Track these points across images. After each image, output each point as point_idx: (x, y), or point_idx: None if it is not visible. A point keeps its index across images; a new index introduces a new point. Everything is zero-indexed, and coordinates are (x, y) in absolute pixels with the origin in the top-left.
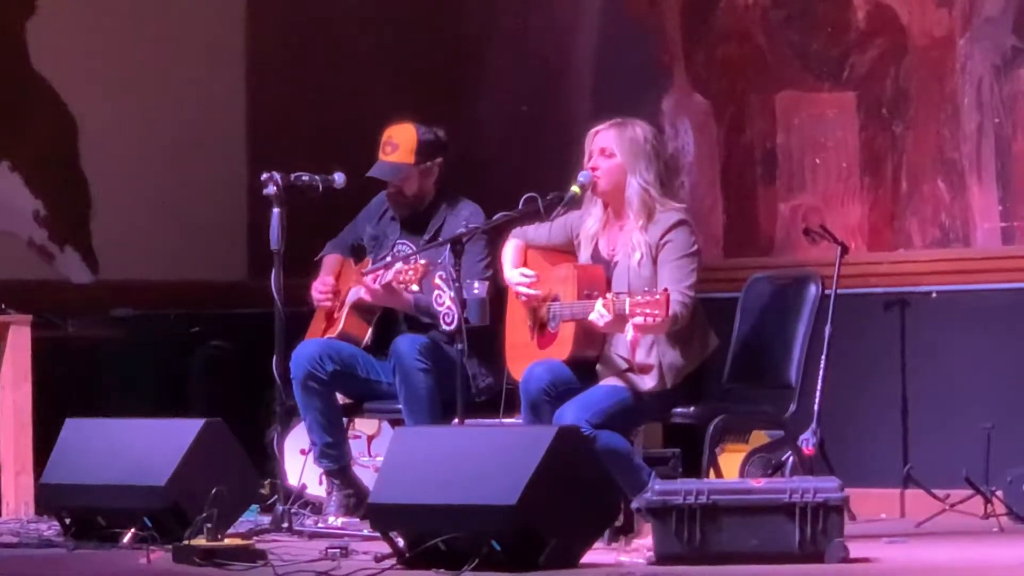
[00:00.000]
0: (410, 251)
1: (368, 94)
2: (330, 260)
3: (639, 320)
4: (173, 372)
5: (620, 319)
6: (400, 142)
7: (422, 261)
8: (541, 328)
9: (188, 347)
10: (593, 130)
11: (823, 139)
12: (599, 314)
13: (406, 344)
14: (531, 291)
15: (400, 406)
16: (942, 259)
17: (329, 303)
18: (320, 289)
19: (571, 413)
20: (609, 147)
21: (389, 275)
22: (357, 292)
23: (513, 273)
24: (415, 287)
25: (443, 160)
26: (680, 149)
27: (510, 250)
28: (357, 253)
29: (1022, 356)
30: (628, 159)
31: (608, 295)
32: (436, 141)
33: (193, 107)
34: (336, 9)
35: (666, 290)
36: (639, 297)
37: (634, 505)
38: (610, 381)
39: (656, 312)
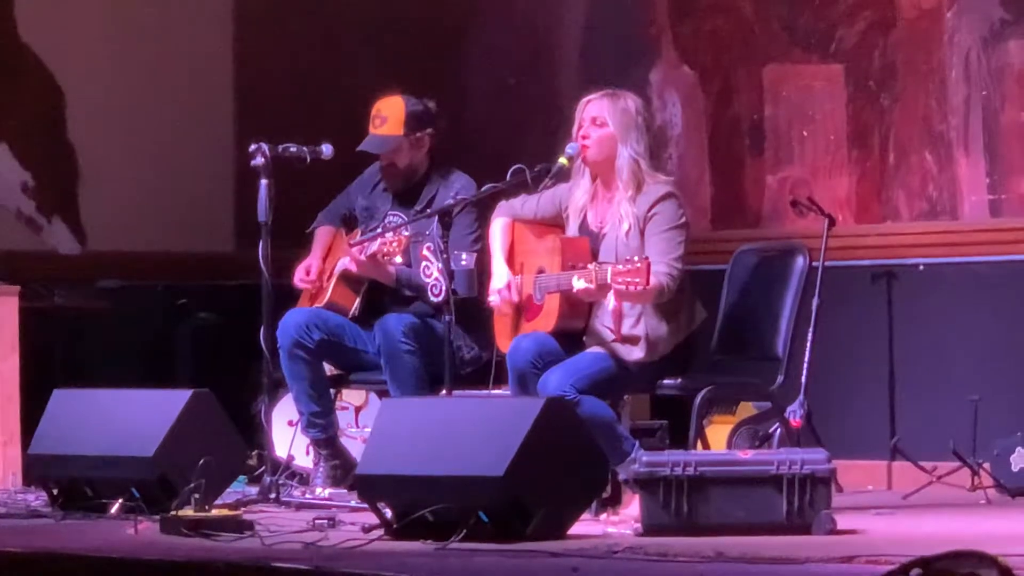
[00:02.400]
0: (400, 222)
1: (356, 65)
2: (322, 233)
3: (620, 288)
4: (160, 343)
5: (602, 288)
6: (389, 114)
7: (405, 233)
8: (527, 301)
9: (175, 318)
10: (585, 99)
11: (811, 111)
12: (581, 284)
13: (392, 324)
14: (503, 308)
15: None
16: (929, 231)
17: (310, 290)
18: (302, 277)
19: (556, 378)
20: (601, 116)
21: (374, 246)
22: (344, 262)
23: (501, 277)
24: (398, 259)
25: (434, 131)
26: (668, 121)
27: (498, 231)
28: (348, 223)
29: (1009, 328)
30: (620, 129)
31: (591, 265)
32: (425, 112)
33: (181, 78)
34: None
35: (646, 258)
36: (620, 266)
37: (621, 476)
38: (597, 350)
39: (636, 280)
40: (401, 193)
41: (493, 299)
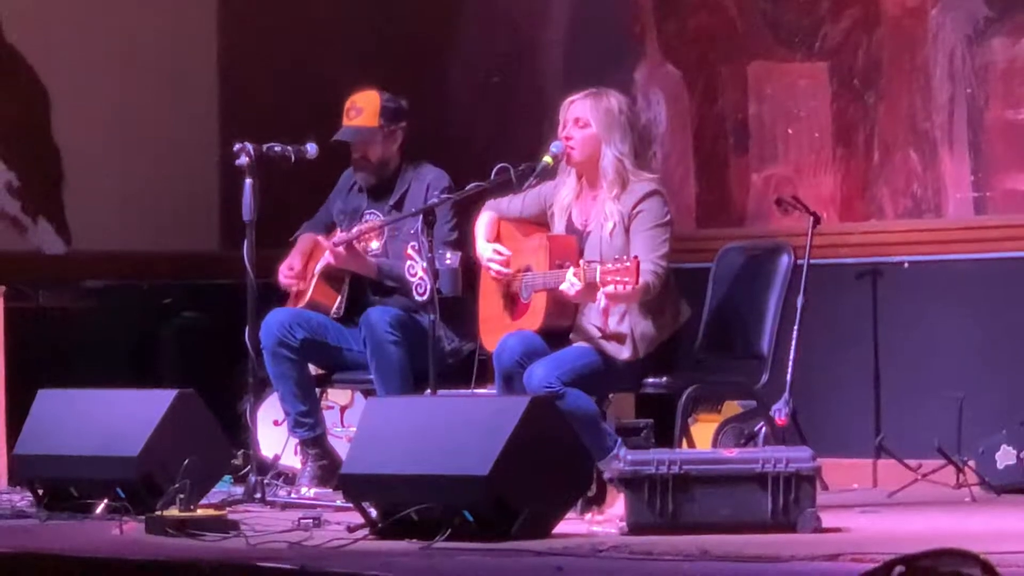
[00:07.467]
0: (381, 220)
1: (339, 64)
2: (303, 239)
3: (610, 288)
4: (145, 343)
5: (591, 287)
6: (364, 106)
7: (378, 218)
8: (513, 299)
9: (160, 318)
10: (568, 99)
11: (795, 109)
12: (570, 283)
13: (376, 316)
14: (502, 268)
15: (371, 376)
16: (914, 229)
17: (295, 286)
18: (286, 273)
19: (541, 371)
20: (584, 117)
21: (350, 235)
22: (325, 259)
23: (486, 248)
24: (375, 244)
25: (407, 126)
26: (652, 119)
27: (483, 223)
28: (331, 232)
29: (993, 326)
30: (602, 130)
31: (579, 264)
32: (399, 108)
33: (165, 78)
34: None
35: (635, 257)
36: (609, 265)
37: (606, 475)
38: (583, 345)
39: (626, 279)
40: (374, 188)
41: (492, 267)
